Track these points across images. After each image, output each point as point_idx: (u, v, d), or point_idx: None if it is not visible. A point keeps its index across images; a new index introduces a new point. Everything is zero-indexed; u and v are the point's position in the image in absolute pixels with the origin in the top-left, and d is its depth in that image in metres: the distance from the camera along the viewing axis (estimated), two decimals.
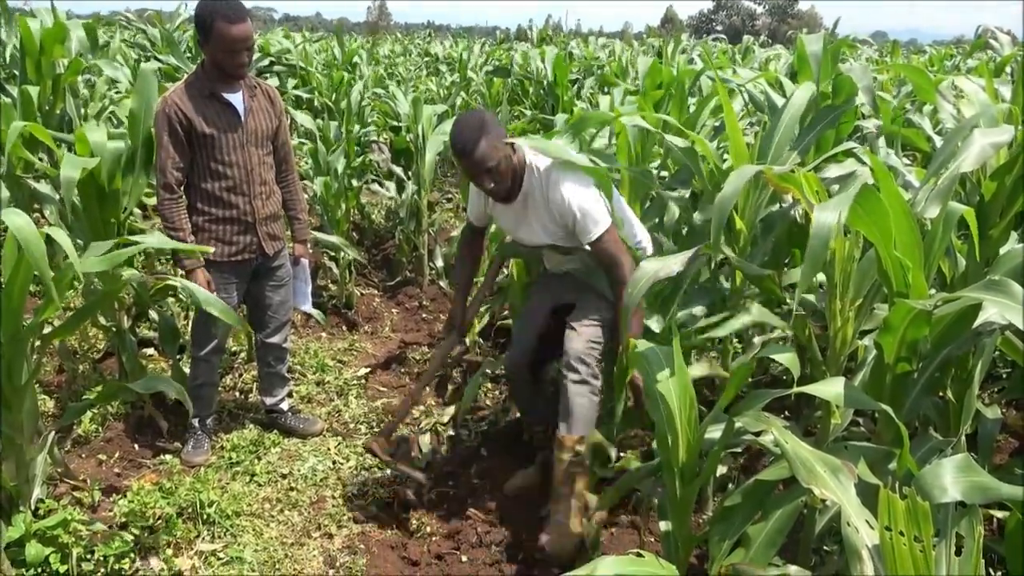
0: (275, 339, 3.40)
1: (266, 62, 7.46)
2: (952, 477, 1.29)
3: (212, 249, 2.94)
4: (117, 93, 5.48)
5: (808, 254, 1.52)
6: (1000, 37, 6.16)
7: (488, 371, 3.90)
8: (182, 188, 2.98)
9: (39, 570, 2.40)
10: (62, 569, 2.40)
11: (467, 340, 4.21)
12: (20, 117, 3.85)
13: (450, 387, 4.07)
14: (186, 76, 3.05)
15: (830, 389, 1.74)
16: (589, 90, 6.68)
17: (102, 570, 2.47)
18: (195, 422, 3.29)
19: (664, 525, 2.09)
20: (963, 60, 7.13)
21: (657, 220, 3.22)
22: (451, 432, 3.64)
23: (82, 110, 4.77)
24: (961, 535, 1.27)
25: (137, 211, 4.42)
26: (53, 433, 2.62)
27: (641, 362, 1.98)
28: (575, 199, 2.57)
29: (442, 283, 5.39)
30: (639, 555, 1.73)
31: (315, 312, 3.92)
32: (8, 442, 2.35)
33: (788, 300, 2.26)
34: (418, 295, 5.30)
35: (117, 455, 3.23)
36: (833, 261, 1.99)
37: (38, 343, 2.36)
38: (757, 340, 2.30)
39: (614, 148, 3.55)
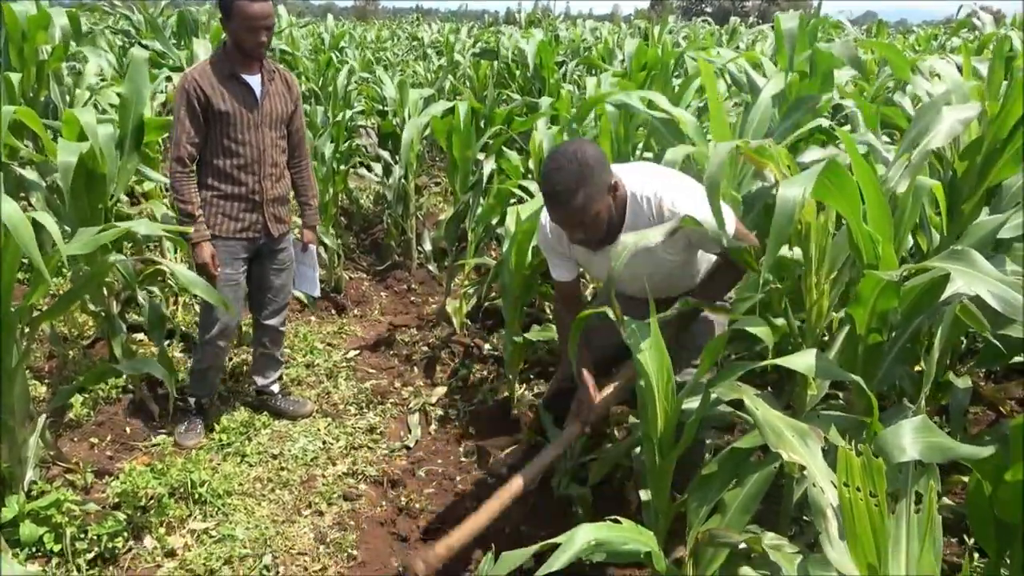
0: (273, 321, 3.44)
1: None
2: (911, 438, 1.34)
3: (191, 230, 2.96)
4: (102, 80, 5.46)
5: (773, 228, 1.57)
6: (983, 16, 6.20)
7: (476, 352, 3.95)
8: (194, 163, 3.03)
9: (33, 550, 2.45)
10: (56, 548, 2.45)
11: (456, 321, 4.27)
12: (3, 104, 3.85)
13: (438, 369, 4.12)
14: (209, 55, 3.13)
15: (802, 360, 1.80)
16: (576, 73, 6.69)
17: (96, 549, 2.52)
18: (191, 402, 3.34)
19: (644, 495, 2.15)
20: (947, 39, 7.16)
21: None
22: (439, 412, 3.69)
23: (67, 97, 4.75)
24: (921, 494, 1.32)
25: (124, 198, 4.42)
26: (45, 416, 2.66)
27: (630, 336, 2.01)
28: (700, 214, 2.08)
29: (430, 267, 5.42)
30: (616, 521, 1.78)
31: (302, 295, 3.95)
32: (0, 425, 2.38)
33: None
34: (407, 278, 5.33)
35: (109, 438, 3.26)
36: (809, 235, 2.04)
37: (27, 328, 2.38)
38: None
39: (597, 129, 3.59)
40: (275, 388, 3.58)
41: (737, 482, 1.88)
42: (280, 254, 3.35)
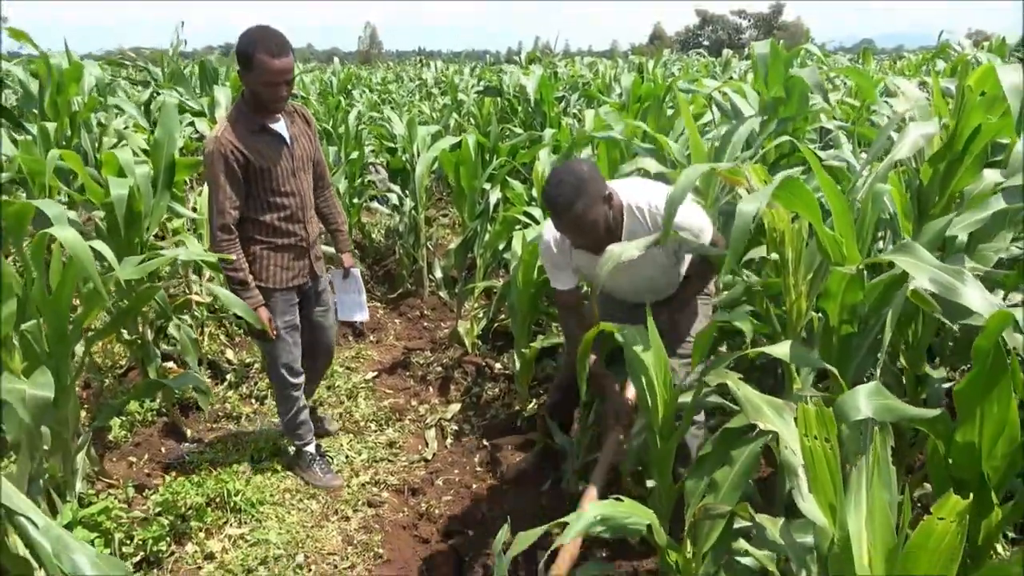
0: (322, 363, 3.54)
1: None
2: (865, 400, 1.55)
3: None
4: (125, 128, 5.79)
5: (732, 237, 1.80)
6: (963, 41, 6.50)
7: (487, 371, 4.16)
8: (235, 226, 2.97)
9: None
10: (106, 552, 2.66)
11: (467, 343, 4.49)
12: (41, 152, 4.15)
13: (452, 388, 4.33)
14: (226, 114, 3.05)
15: (780, 349, 2.01)
16: (575, 107, 7.00)
17: (141, 553, 2.73)
18: (307, 451, 3.37)
19: (649, 482, 2.34)
20: (933, 65, 7.45)
21: None
22: (455, 427, 3.90)
23: (96, 144, 5.06)
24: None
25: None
26: (91, 432, 2.88)
27: (625, 342, 2.22)
28: (694, 223, 2.51)
29: (441, 293, 5.66)
30: (619, 499, 1.99)
31: (354, 322, 4.02)
32: (56, 437, 2.61)
33: (746, 278, 2.53)
34: (419, 305, 5.57)
35: (146, 457, 3.48)
36: (784, 241, 2.27)
37: (81, 347, 2.62)
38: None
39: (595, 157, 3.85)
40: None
41: (728, 462, 2.08)
42: (323, 294, 3.38)
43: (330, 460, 3.50)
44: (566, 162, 2.54)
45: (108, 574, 1.83)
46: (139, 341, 3.66)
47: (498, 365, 4.52)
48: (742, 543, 2.05)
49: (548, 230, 2.67)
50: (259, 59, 2.76)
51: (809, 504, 1.49)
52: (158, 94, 6.14)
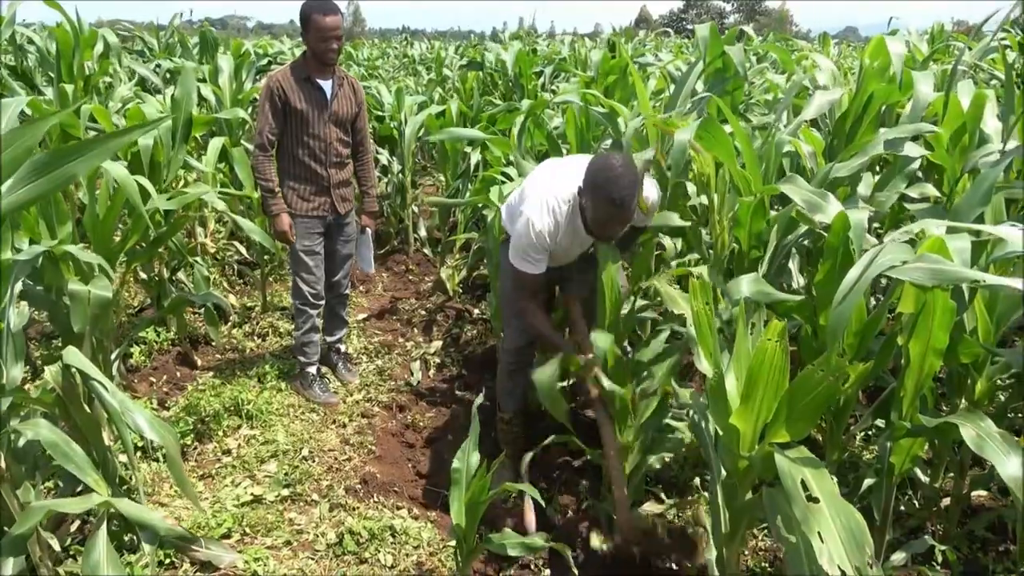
0: (340, 283, 4.02)
1: (264, 61, 8.20)
2: (746, 285, 2.07)
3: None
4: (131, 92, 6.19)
5: (672, 161, 2.30)
6: (910, 28, 7.02)
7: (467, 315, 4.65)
8: (274, 149, 3.57)
9: (120, 446, 3.13)
10: (140, 444, 3.14)
11: (450, 288, 4.98)
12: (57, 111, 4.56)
13: (435, 329, 4.83)
14: (291, 61, 3.71)
15: (699, 269, 2.53)
16: (552, 80, 7.47)
17: None
18: (310, 371, 3.86)
19: (607, 383, 2.84)
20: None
21: None
22: (437, 360, 4.40)
23: (107, 105, 5.47)
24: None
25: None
26: (123, 346, 3.35)
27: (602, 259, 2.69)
28: (650, 192, 2.76)
29: (425, 250, 6.14)
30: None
31: (372, 270, 4.50)
32: (99, 345, 3.08)
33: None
34: (405, 261, 6.05)
35: (164, 379, 3.95)
36: (710, 184, 2.78)
37: (122, 268, 3.08)
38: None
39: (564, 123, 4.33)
40: (342, 347, 4.19)
41: (660, 358, 2.60)
42: (345, 228, 3.91)
43: (328, 382, 3.99)
44: (616, 156, 2.52)
45: (162, 433, 2.28)
46: (156, 279, 4.12)
47: (476, 311, 5.02)
48: (669, 420, 2.58)
49: (541, 218, 2.68)
50: (313, 19, 3.41)
51: (701, 361, 2.01)
52: (159, 65, 6.54)
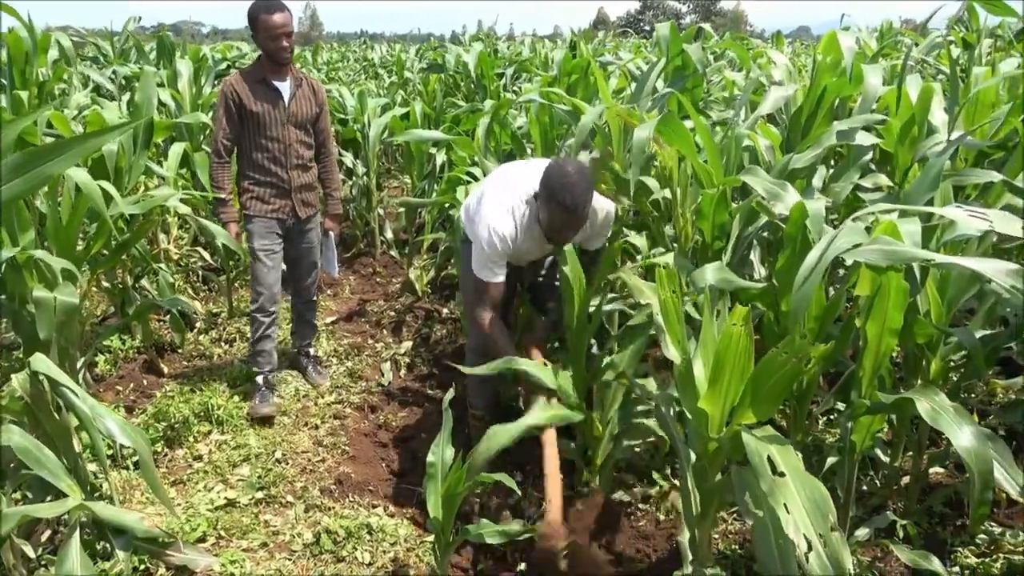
0: (308, 288, 3.99)
1: (224, 65, 8.11)
2: (710, 274, 2.13)
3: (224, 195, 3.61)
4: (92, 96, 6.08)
5: (632, 158, 2.36)
6: (859, 24, 7.23)
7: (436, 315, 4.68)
8: (231, 155, 3.59)
9: (89, 454, 3.09)
10: (109, 452, 3.10)
11: (418, 288, 5.00)
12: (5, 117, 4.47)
13: (404, 330, 4.84)
14: (246, 67, 3.71)
15: (665, 258, 2.59)
16: (513, 80, 7.52)
17: None
18: (259, 380, 3.74)
19: (563, 378, 2.89)
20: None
21: None
22: (407, 360, 4.41)
23: (63, 111, 5.37)
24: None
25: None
26: (89, 355, 3.31)
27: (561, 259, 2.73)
28: (605, 205, 2.86)
29: (392, 252, 6.14)
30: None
31: (336, 275, 4.47)
32: (64, 353, 3.04)
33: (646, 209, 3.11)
34: (371, 263, 6.05)
35: (131, 387, 3.91)
36: (672, 177, 2.85)
37: (86, 275, 3.05)
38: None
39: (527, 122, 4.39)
40: (311, 351, 4.17)
41: (624, 347, 2.66)
42: (308, 234, 3.86)
43: (278, 393, 3.87)
44: (570, 163, 2.57)
45: (134, 438, 2.27)
46: (120, 286, 4.07)
47: (445, 310, 5.04)
48: (638, 408, 2.64)
49: (503, 225, 2.71)
50: (261, 19, 3.40)
51: (668, 348, 2.06)
52: (115, 71, 6.45)
